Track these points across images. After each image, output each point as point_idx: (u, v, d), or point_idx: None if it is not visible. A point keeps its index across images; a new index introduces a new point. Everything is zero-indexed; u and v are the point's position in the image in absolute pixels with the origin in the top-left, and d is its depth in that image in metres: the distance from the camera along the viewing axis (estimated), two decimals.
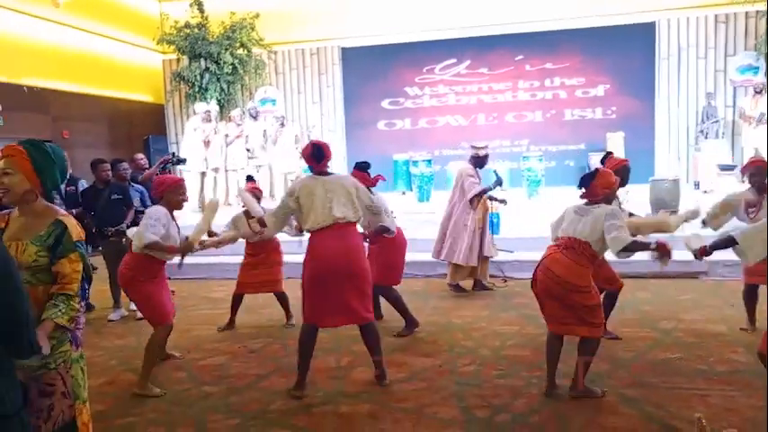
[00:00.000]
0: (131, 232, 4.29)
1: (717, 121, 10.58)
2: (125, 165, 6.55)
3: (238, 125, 10.95)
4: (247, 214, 5.35)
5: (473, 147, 6.46)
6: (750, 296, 4.82)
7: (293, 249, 5.88)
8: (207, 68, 11.54)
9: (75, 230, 2.48)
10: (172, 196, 4.16)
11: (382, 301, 5.28)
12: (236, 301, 5.58)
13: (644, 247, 3.53)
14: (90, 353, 4.75)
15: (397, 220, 5.41)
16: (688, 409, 3.47)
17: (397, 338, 5.02)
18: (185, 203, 4.36)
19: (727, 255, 3.31)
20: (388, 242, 4.99)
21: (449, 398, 3.84)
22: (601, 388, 3.78)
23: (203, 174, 10.81)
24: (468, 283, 6.62)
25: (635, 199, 6.70)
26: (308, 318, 3.97)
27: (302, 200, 3.90)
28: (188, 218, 4.94)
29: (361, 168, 5.02)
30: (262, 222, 4.53)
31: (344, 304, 3.89)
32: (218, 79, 11.65)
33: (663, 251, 3.53)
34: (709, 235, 4.19)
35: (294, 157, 11.25)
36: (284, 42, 12.38)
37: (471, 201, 6.25)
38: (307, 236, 4.88)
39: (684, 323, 5.17)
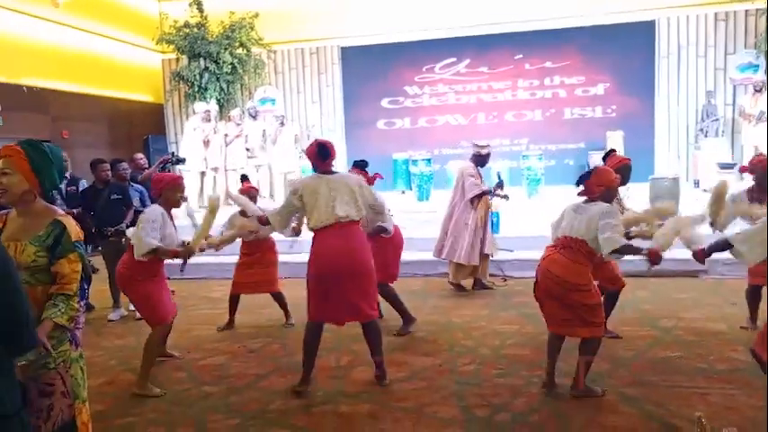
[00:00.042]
0: (131, 232, 4.28)
1: (716, 120, 10.57)
2: (125, 165, 6.55)
3: (238, 125, 10.95)
4: (243, 213, 5.36)
5: (476, 145, 6.44)
6: (753, 296, 4.83)
7: (283, 249, 5.91)
8: (206, 68, 11.53)
9: (74, 230, 2.48)
10: (170, 195, 4.15)
11: (381, 300, 5.28)
12: (233, 301, 5.58)
13: (635, 251, 3.52)
14: (90, 353, 4.75)
15: (397, 220, 5.42)
16: (688, 407, 3.46)
17: (397, 338, 5.02)
18: (184, 203, 4.36)
19: (728, 253, 3.30)
20: (385, 241, 5.01)
21: (449, 397, 3.84)
22: (601, 387, 3.78)
23: (203, 173, 10.81)
24: (468, 282, 6.62)
25: (635, 197, 6.70)
26: (312, 315, 3.98)
27: (306, 198, 3.92)
28: (187, 218, 4.94)
29: (359, 167, 5.02)
30: (262, 220, 4.54)
31: (349, 302, 3.90)
32: (217, 79, 11.64)
33: (653, 258, 3.51)
34: (709, 233, 4.18)
35: (293, 156, 11.26)
36: (283, 42, 12.37)
37: (472, 200, 6.25)
38: (300, 238, 4.92)
39: (684, 322, 5.17)
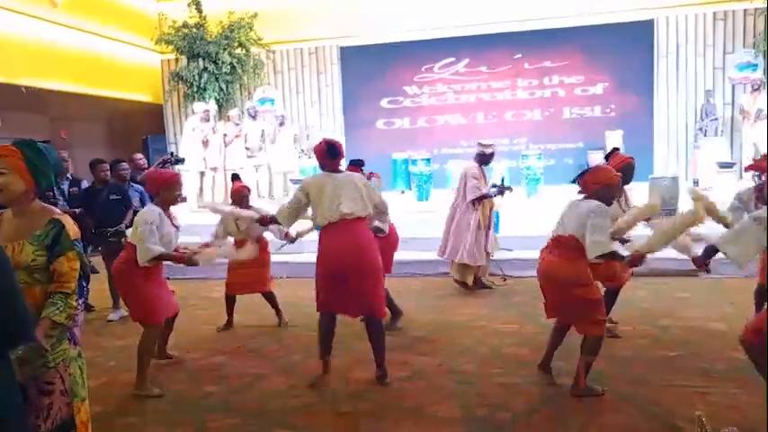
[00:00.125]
0: (130, 232, 4.27)
1: (716, 119, 10.57)
2: (125, 165, 6.54)
3: (237, 124, 10.94)
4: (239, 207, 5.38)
5: (480, 144, 6.41)
6: (761, 295, 4.81)
7: (271, 249, 5.87)
8: (205, 68, 11.51)
9: (72, 229, 2.49)
10: (168, 193, 4.12)
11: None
12: (230, 301, 5.57)
13: (620, 257, 3.54)
14: (90, 353, 4.75)
15: (396, 219, 5.43)
16: (688, 406, 3.46)
17: (396, 337, 5.01)
18: (184, 203, 4.36)
19: None
20: (381, 240, 5.02)
21: (448, 397, 3.84)
22: (601, 386, 3.78)
23: (202, 173, 10.80)
24: (468, 281, 6.61)
25: (634, 197, 6.69)
26: (321, 307, 4.06)
27: (312, 195, 3.99)
28: (187, 218, 4.93)
29: (355, 165, 5.03)
30: (264, 221, 4.56)
31: (357, 297, 3.96)
32: (216, 79, 11.63)
33: (635, 263, 3.53)
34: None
35: (293, 156, 11.26)
36: (283, 42, 12.35)
37: (473, 202, 6.24)
38: (293, 243, 5.13)
39: (684, 321, 5.17)
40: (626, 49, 11.38)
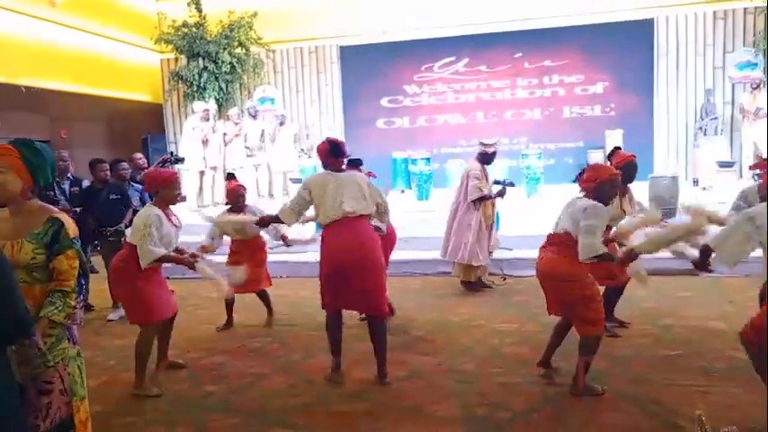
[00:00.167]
0: (129, 232, 4.26)
1: (715, 118, 10.56)
2: (125, 165, 6.54)
3: (236, 124, 10.93)
4: (231, 212, 5.39)
5: (482, 143, 6.37)
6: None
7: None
8: (205, 67, 11.51)
9: (71, 227, 2.49)
10: (166, 192, 4.10)
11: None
12: (229, 301, 5.56)
13: (610, 258, 3.55)
14: (89, 353, 4.75)
15: (396, 218, 5.44)
16: (689, 405, 3.46)
17: (396, 337, 5.01)
18: (183, 203, 4.35)
19: None
20: (379, 239, 5.04)
21: (448, 396, 3.84)
22: (601, 385, 3.78)
23: (202, 173, 10.79)
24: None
25: (634, 196, 6.69)
26: (326, 306, 4.08)
27: (314, 193, 4.01)
28: (186, 217, 4.92)
29: (353, 164, 5.03)
30: (265, 221, 4.57)
31: (359, 294, 3.97)
32: (216, 78, 11.62)
33: (624, 263, 3.56)
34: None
35: (293, 155, 11.26)
36: (282, 41, 12.34)
37: (474, 202, 6.23)
38: (287, 247, 5.21)
39: (684, 320, 5.17)
40: (626, 49, 11.38)
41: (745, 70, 10.67)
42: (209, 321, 5.77)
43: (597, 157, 10.30)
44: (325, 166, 4.13)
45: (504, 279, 6.94)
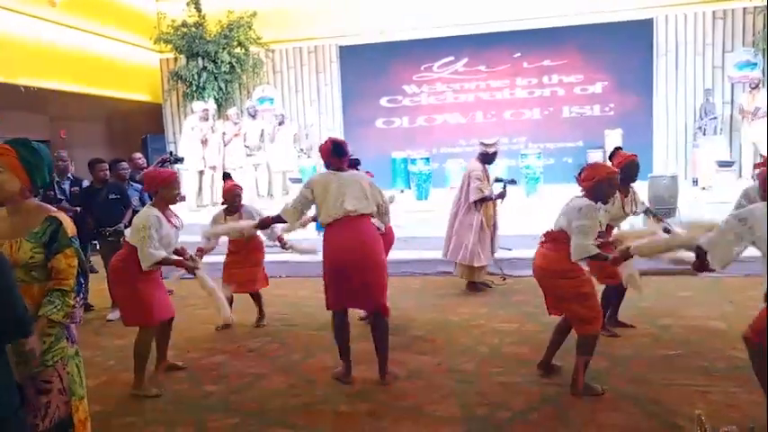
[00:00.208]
0: (129, 232, 4.25)
1: (715, 118, 10.56)
2: (124, 165, 6.54)
3: (235, 123, 10.93)
4: (227, 212, 5.39)
5: (482, 144, 6.36)
6: None
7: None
8: (204, 67, 11.51)
9: (70, 226, 2.49)
10: (166, 192, 4.09)
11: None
12: (227, 300, 5.55)
13: (603, 258, 3.56)
14: (89, 353, 4.75)
15: (395, 218, 5.42)
16: (688, 405, 3.46)
17: (396, 336, 5.00)
18: (183, 202, 4.34)
19: None
20: None
21: (448, 396, 3.84)
22: (601, 385, 3.78)
23: (201, 172, 10.79)
24: (463, 282, 6.59)
25: (639, 196, 6.70)
26: (330, 305, 4.07)
27: (317, 193, 4.02)
28: (186, 217, 4.91)
29: (350, 164, 5.03)
30: (266, 222, 4.57)
31: (361, 292, 3.97)
32: (215, 78, 11.62)
33: (616, 263, 3.57)
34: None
35: (292, 155, 11.25)
36: (282, 41, 12.34)
37: (475, 203, 6.23)
38: (283, 248, 5.21)
39: (684, 320, 5.17)
40: (625, 48, 11.38)
41: (744, 70, 10.67)
42: (208, 321, 5.77)
43: (596, 157, 10.30)
44: (328, 166, 4.13)
45: (504, 279, 6.93)
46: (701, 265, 3.07)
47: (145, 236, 3.89)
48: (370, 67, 12.31)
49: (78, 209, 6.32)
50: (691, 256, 3.26)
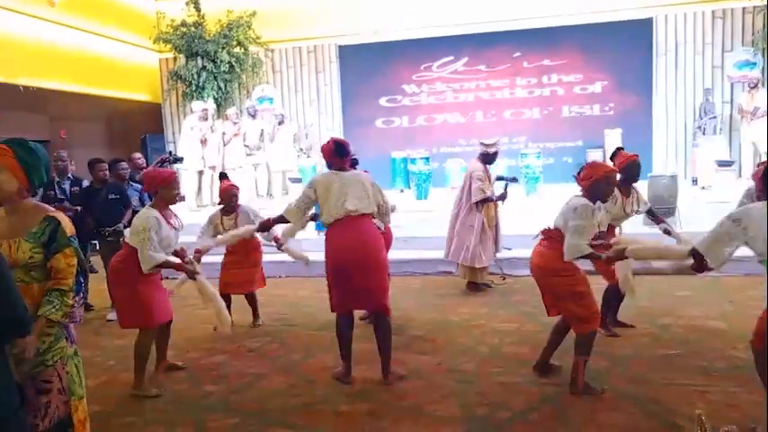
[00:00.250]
0: (128, 232, 4.24)
1: (714, 117, 10.56)
2: (124, 164, 6.53)
3: (235, 123, 10.93)
4: (224, 212, 5.38)
5: (482, 144, 6.34)
6: None
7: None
8: (204, 67, 11.50)
9: (68, 226, 2.49)
10: (165, 192, 4.08)
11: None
12: (226, 301, 5.54)
13: (596, 257, 3.56)
14: (89, 353, 4.75)
15: (395, 218, 5.43)
16: (688, 405, 3.47)
17: (396, 336, 4.99)
18: (182, 202, 4.34)
19: None
20: None
21: (448, 396, 3.84)
22: (600, 385, 3.78)
23: (200, 172, 10.79)
24: (464, 282, 6.59)
25: (641, 196, 6.70)
26: (335, 307, 4.07)
27: (319, 192, 4.04)
28: (186, 217, 4.91)
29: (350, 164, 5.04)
30: (268, 223, 4.58)
31: (363, 292, 3.97)
32: (215, 78, 11.61)
33: (611, 263, 3.60)
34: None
35: (292, 155, 11.25)
36: (281, 40, 12.33)
37: (476, 204, 6.22)
38: (279, 249, 5.22)
39: (683, 319, 5.17)
40: (625, 48, 11.38)
41: (743, 69, 10.67)
42: (208, 321, 5.75)
43: (596, 157, 10.29)
44: (330, 166, 4.13)
45: (504, 278, 6.94)
46: (700, 265, 3.08)
47: (144, 238, 3.87)
48: (369, 66, 12.30)
49: (78, 208, 6.32)
50: (688, 260, 3.26)
